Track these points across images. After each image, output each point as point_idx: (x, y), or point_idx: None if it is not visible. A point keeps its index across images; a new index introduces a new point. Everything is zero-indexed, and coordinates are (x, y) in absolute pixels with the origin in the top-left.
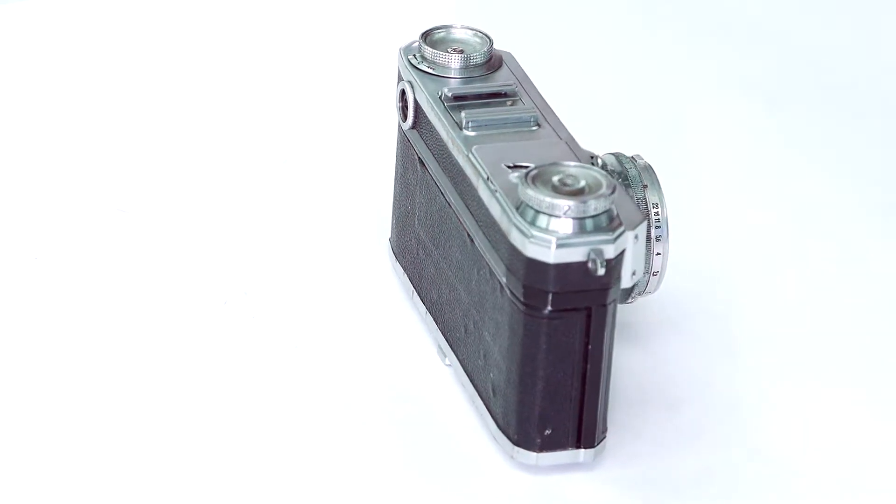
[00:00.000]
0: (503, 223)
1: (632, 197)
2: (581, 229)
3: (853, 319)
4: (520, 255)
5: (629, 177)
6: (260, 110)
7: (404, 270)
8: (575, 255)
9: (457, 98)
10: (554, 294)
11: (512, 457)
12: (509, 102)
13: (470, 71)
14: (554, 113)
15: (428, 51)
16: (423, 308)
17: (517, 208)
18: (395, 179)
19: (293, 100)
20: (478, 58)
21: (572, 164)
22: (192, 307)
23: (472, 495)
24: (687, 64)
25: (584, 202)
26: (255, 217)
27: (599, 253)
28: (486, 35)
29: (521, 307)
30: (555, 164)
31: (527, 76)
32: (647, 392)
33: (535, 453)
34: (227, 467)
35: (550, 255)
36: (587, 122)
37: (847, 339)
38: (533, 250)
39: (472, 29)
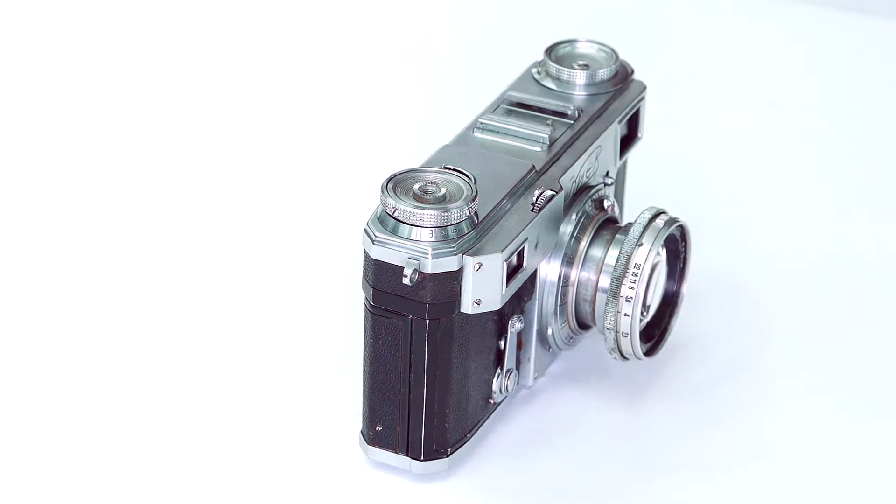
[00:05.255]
0: None
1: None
2: (442, 238)
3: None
4: None
5: (630, 231)
6: (387, 114)
7: None
8: (392, 257)
9: (516, 104)
10: (374, 290)
11: (358, 444)
12: (549, 122)
13: (588, 88)
14: (591, 145)
15: (552, 66)
16: None
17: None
18: None
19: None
20: (603, 74)
21: (433, 170)
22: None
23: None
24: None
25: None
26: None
27: (415, 264)
28: (612, 51)
29: (364, 296)
30: (418, 170)
31: (627, 106)
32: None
33: (368, 446)
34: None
35: (372, 249)
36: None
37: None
38: (363, 239)
39: (598, 43)
